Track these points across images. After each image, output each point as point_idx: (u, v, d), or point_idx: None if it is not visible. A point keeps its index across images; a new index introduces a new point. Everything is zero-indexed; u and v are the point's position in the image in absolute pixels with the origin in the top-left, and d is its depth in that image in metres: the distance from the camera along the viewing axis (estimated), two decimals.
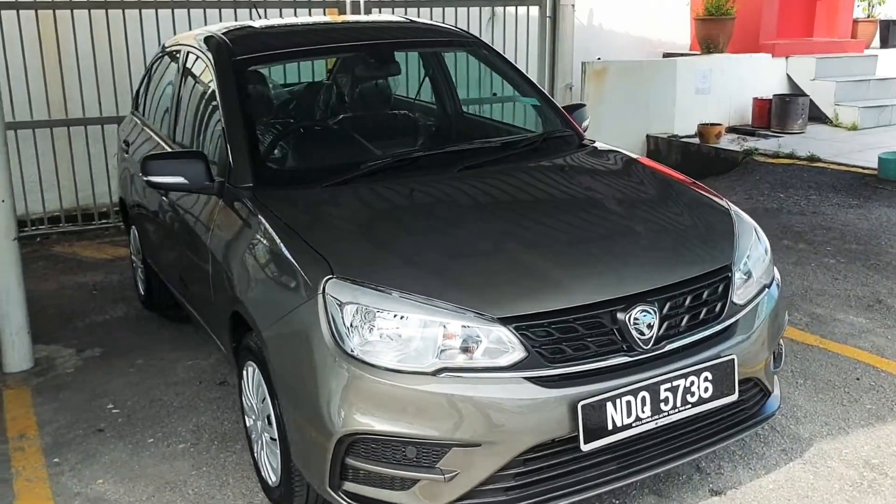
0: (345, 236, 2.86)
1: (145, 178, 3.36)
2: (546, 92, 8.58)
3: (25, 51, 6.94)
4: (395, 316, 2.50)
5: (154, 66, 5.04)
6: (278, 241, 2.87)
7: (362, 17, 5.39)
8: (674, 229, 3.06)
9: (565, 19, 9.14)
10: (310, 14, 7.92)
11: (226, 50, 3.82)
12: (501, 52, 4.30)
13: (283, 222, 2.95)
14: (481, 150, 3.63)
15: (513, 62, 4.28)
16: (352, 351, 2.49)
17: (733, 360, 2.73)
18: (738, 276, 2.90)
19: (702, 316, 2.77)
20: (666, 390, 2.61)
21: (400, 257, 2.72)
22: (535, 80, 8.66)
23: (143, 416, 3.91)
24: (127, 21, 7.17)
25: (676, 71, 9.42)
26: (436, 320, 2.48)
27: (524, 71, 8.64)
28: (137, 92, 5.39)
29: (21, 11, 6.88)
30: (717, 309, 2.81)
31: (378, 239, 2.85)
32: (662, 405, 2.62)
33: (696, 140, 9.05)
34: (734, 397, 2.76)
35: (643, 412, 2.58)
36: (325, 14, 8.05)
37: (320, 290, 2.58)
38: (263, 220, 3.01)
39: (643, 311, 2.61)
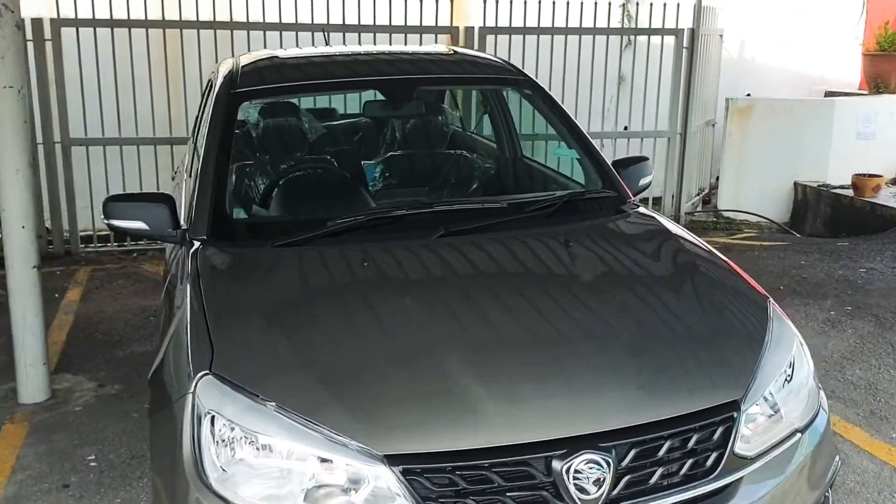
0: (251, 321, 2.36)
1: (105, 222, 3.02)
2: (678, 127, 7.91)
3: (152, 69, 6.97)
4: (262, 437, 1.98)
5: (205, 90, 4.78)
6: (188, 316, 2.42)
7: (403, 48, 4.90)
8: (668, 342, 2.33)
9: (710, 51, 8.30)
10: (420, 41, 7.54)
11: (229, 80, 3.45)
12: (552, 94, 3.66)
13: (202, 293, 2.50)
14: (482, 210, 3.03)
15: (561, 106, 3.63)
16: (207, 478, 1.99)
17: None
18: (753, 414, 2.17)
19: (683, 471, 2.06)
20: None
21: (299, 357, 2.19)
22: (667, 115, 8.02)
23: (115, 476, 3.60)
24: (252, 42, 7.05)
25: (834, 112, 8.31)
26: (310, 451, 1.95)
27: (657, 104, 8.01)
28: (196, 116, 5.16)
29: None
30: (710, 462, 2.09)
31: (287, 329, 2.32)
32: None
33: (850, 192, 7.91)
34: None
35: None
36: (436, 41, 7.65)
37: (191, 389, 2.10)
38: (188, 287, 2.58)
39: (590, 461, 1.96)
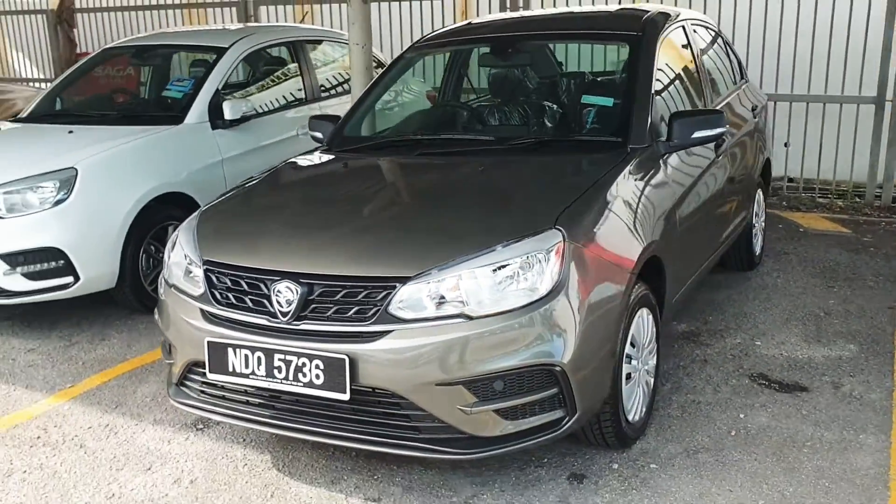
0: (251, 190, 3.78)
1: (308, 133, 4.64)
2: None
3: None
4: (178, 246, 3.42)
5: None
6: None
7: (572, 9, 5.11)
8: (421, 231, 3.13)
9: None
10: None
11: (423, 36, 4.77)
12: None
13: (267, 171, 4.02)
14: (471, 141, 4.01)
15: (651, 62, 3.97)
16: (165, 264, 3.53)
17: (344, 360, 2.79)
18: (418, 291, 2.83)
19: (351, 313, 2.86)
20: (279, 360, 2.91)
21: (245, 209, 3.62)
22: None
23: None
24: None
25: None
26: (187, 253, 3.32)
27: None
28: None
29: None
30: (370, 313, 2.84)
31: (263, 196, 3.75)
32: (276, 372, 2.92)
33: None
34: (344, 396, 2.83)
35: (258, 370, 2.95)
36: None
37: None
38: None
39: (287, 287, 2.94)
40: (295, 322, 2.94)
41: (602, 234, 3.13)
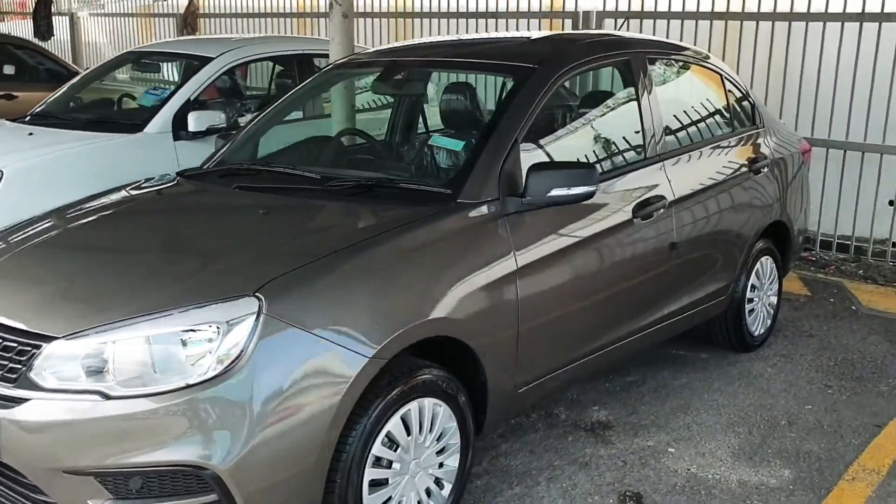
0: (41, 219, 3.38)
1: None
2: None
3: None
4: None
5: None
6: None
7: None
8: (112, 283, 2.66)
9: None
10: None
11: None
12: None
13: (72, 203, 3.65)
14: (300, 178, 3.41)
15: (533, 103, 3.27)
16: None
17: None
18: (69, 355, 2.36)
19: (3, 371, 2.44)
20: None
21: (15, 236, 3.22)
22: None
23: None
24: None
25: None
26: None
27: None
28: None
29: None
30: (16, 375, 2.41)
31: (39, 224, 3.33)
32: None
33: None
34: None
35: None
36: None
37: None
38: None
39: None
40: None
41: (330, 307, 2.52)
